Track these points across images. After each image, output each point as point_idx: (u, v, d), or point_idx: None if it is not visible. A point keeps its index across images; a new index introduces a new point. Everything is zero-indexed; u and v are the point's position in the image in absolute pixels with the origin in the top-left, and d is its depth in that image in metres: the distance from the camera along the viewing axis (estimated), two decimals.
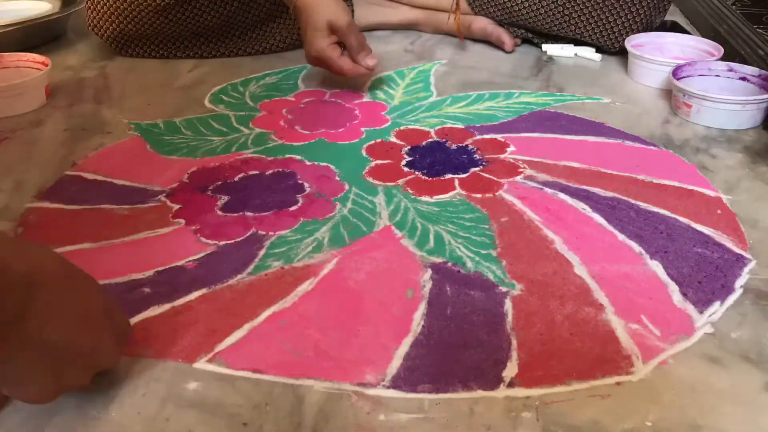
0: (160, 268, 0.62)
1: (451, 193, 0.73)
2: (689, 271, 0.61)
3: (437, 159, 0.80)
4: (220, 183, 0.75)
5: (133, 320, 0.55)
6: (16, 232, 0.67)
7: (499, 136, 0.86)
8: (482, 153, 0.82)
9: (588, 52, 1.12)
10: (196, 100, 0.96)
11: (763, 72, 0.92)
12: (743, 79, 0.94)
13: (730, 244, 0.65)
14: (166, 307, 0.57)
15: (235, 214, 0.69)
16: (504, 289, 0.59)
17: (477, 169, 0.78)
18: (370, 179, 0.76)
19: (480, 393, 0.49)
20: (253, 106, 0.95)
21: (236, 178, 0.76)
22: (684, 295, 0.59)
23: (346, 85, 1.02)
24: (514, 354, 0.52)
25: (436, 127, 0.88)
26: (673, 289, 0.59)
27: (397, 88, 1.01)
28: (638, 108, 0.94)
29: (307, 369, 0.51)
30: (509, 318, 0.56)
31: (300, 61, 1.11)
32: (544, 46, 1.15)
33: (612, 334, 0.54)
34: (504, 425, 0.47)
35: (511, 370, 0.51)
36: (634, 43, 1.05)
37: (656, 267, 0.62)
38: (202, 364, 0.51)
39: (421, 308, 0.57)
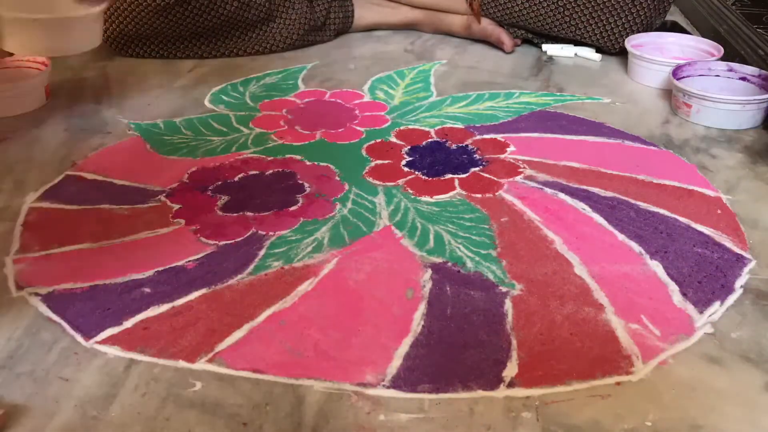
0: (160, 268, 0.62)
1: (451, 193, 0.73)
2: (689, 271, 0.61)
3: (437, 159, 0.80)
4: (220, 183, 0.75)
5: (133, 320, 0.56)
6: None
7: (499, 136, 0.86)
8: (482, 153, 0.82)
9: (588, 52, 1.12)
10: (196, 100, 0.96)
11: (763, 72, 0.92)
12: (743, 79, 0.94)
13: (730, 244, 0.65)
14: (166, 307, 0.57)
15: (235, 214, 0.69)
16: (504, 289, 0.59)
17: (477, 169, 0.78)
18: (370, 179, 0.76)
19: (480, 393, 0.49)
20: (253, 106, 0.95)
21: (236, 178, 0.76)
22: (684, 295, 0.59)
23: (346, 84, 1.02)
24: (514, 354, 0.52)
25: (436, 127, 0.88)
26: (673, 289, 0.59)
27: (397, 88, 1.01)
28: (638, 108, 0.94)
29: (307, 369, 0.51)
30: (509, 318, 0.56)
31: (300, 60, 1.11)
32: (544, 46, 1.15)
33: (612, 334, 0.54)
34: (504, 425, 0.47)
35: (511, 370, 0.51)
36: (634, 43, 1.05)
37: (656, 267, 0.62)
38: (202, 364, 0.51)
39: (421, 308, 0.57)
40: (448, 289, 0.59)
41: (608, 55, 1.12)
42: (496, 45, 1.16)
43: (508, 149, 0.83)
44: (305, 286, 0.59)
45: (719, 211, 0.70)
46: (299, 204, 0.71)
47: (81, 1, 0.84)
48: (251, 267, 0.62)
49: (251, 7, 1.09)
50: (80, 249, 0.64)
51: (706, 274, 0.61)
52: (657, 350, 0.53)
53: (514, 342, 0.54)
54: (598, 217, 0.69)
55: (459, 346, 0.53)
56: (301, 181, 0.76)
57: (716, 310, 0.57)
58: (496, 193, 0.73)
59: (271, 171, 0.78)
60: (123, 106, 0.95)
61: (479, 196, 0.73)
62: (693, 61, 0.98)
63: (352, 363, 0.52)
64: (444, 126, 0.89)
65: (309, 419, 0.47)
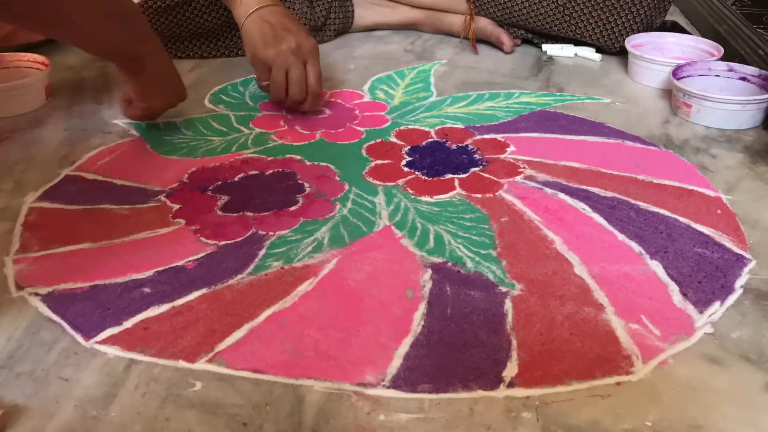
0: (160, 268, 0.62)
1: (451, 193, 0.73)
2: (689, 271, 0.61)
3: (437, 159, 0.80)
4: (220, 183, 0.75)
5: (133, 320, 0.56)
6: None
7: (499, 136, 0.86)
8: (482, 153, 0.82)
9: (588, 52, 1.12)
10: (196, 100, 0.96)
11: (763, 72, 0.92)
12: (743, 79, 0.94)
13: (730, 244, 0.65)
14: (166, 307, 0.57)
15: (235, 214, 0.69)
16: (504, 289, 0.59)
17: (477, 169, 0.78)
18: (370, 179, 0.76)
19: (480, 393, 0.49)
20: (253, 106, 0.95)
21: (236, 178, 0.76)
22: (684, 295, 0.59)
23: (346, 84, 1.02)
24: (514, 354, 0.52)
25: (436, 127, 0.88)
26: (673, 289, 0.59)
27: (397, 88, 1.01)
28: (638, 108, 0.94)
29: (307, 369, 0.51)
30: (509, 318, 0.56)
31: None
32: (544, 46, 1.15)
33: (612, 334, 0.54)
34: (504, 425, 0.47)
35: (511, 370, 0.51)
36: (634, 43, 1.05)
37: (656, 267, 0.62)
38: (202, 364, 0.51)
39: (421, 308, 0.57)
40: (448, 289, 0.59)
41: (608, 55, 1.12)
42: (496, 45, 1.16)
43: (508, 149, 0.83)
44: (305, 286, 0.59)
45: (719, 211, 0.70)
46: (299, 204, 0.71)
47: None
48: (251, 267, 0.62)
49: None
50: (80, 249, 0.64)
51: (706, 274, 0.61)
52: (657, 350, 0.53)
53: (514, 342, 0.54)
54: (598, 217, 0.69)
55: (459, 346, 0.53)
56: (301, 181, 0.76)
57: (716, 310, 0.57)
58: (496, 193, 0.73)
59: (271, 171, 0.78)
60: None
61: (479, 196, 0.73)
62: (693, 61, 0.98)
63: (352, 363, 0.52)
64: (444, 126, 0.89)
65: (309, 419, 0.47)
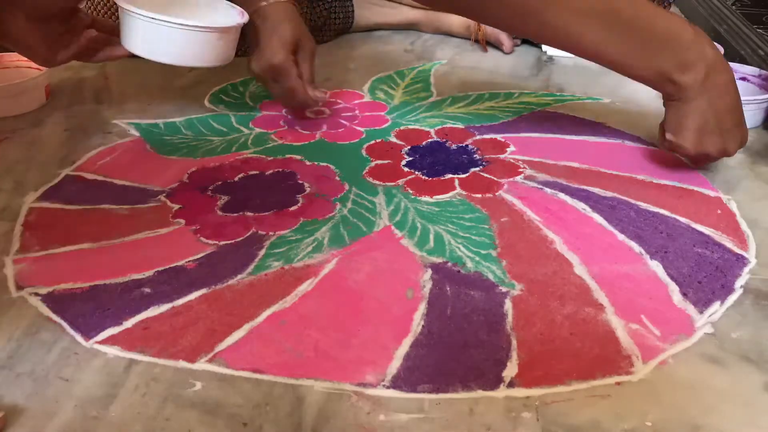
0: (160, 268, 0.62)
1: (451, 193, 0.73)
2: (689, 271, 0.61)
3: (437, 159, 0.80)
4: (220, 183, 0.75)
5: (133, 320, 0.56)
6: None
7: (499, 136, 0.86)
8: (482, 153, 0.82)
9: None
10: (196, 100, 0.96)
11: (763, 72, 0.92)
12: (743, 79, 0.94)
13: (730, 244, 0.65)
14: (166, 307, 0.57)
15: (235, 214, 0.69)
16: (504, 289, 0.59)
17: (477, 169, 0.78)
18: (370, 179, 0.76)
19: (480, 393, 0.49)
20: (253, 106, 0.95)
21: (236, 178, 0.76)
22: (684, 295, 0.59)
23: (346, 84, 1.02)
24: (514, 354, 0.52)
25: (436, 127, 0.88)
26: (673, 289, 0.59)
27: (397, 88, 1.01)
28: (638, 108, 0.94)
29: (307, 369, 0.51)
30: (509, 318, 0.56)
31: None
32: (544, 46, 1.15)
33: (612, 334, 0.54)
34: (504, 425, 0.47)
35: (511, 370, 0.51)
36: None
37: (656, 267, 0.62)
38: (202, 364, 0.51)
39: (421, 308, 0.57)
40: (448, 289, 0.59)
41: None
42: (496, 46, 1.16)
43: (508, 149, 0.83)
44: (305, 286, 0.59)
45: (719, 211, 0.70)
46: (299, 204, 0.71)
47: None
48: (251, 267, 0.62)
49: None
50: (80, 249, 0.64)
51: (706, 274, 0.61)
52: (657, 350, 0.53)
53: (514, 342, 0.54)
54: (598, 217, 0.69)
55: (459, 346, 0.53)
56: (301, 181, 0.76)
57: (716, 310, 0.57)
58: (496, 193, 0.73)
59: (271, 171, 0.78)
60: (123, 106, 0.95)
61: (479, 196, 0.73)
62: None
63: (352, 363, 0.52)
64: (444, 126, 0.89)
65: (309, 419, 0.47)
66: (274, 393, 0.49)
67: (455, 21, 1.20)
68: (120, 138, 0.86)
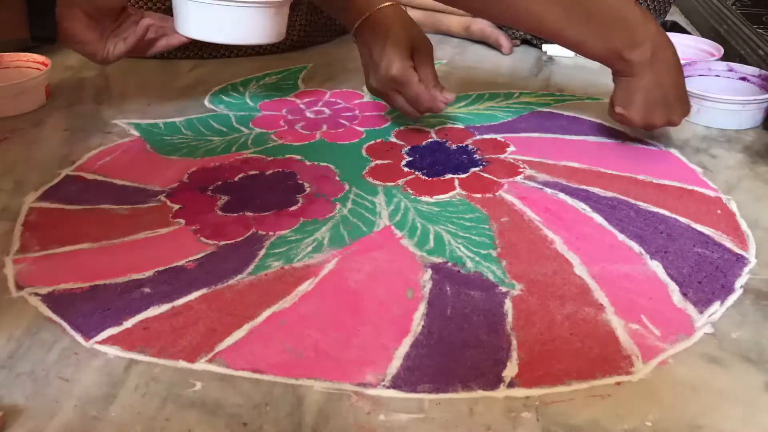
0: (160, 268, 0.62)
1: (451, 193, 0.73)
2: (689, 271, 0.61)
3: (437, 159, 0.80)
4: (220, 183, 0.75)
5: (133, 320, 0.56)
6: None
7: (499, 136, 0.86)
8: (482, 153, 0.82)
9: None
10: (196, 100, 0.96)
11: (763, 72, 0.92)
12: (743, 79, 0.94)
13: (730, 244, 0.65)
14: (166, 307, 0.57)
15: (235, 214, 0.69)
16: (504, 289, 0.59)
17: (477, 169, 0.78)
18: (370, 179, 0.76)
19: (480, 393, 0.49)
20: (253, 106, 0.95)
21: (236, 178, 0.76)
22: (684, 295, 0.59)
23: (346, 84, 1.02)
24: (514, 354, 0.52)
25: (436, 127, 0.88)
26: (673, 289, 0.59)
27: None
28: None
29: (307, 369, 0.51)
30: (509, 318, 0.56)
31: (300, 61, 1.11)
32: (544, 46, 1.15)
33: (612, 334, 0.54)
34: (504, 425, 0.47)
35: (511, 370, 0.51)
36: None
37: (656, 267, 0.62)
38: (202, 364, 0.51)
39: (421, 308, 0.57)
40: (448, 289, 0.59)
41: None
42: (494, 46, 1.16)
43: (508, 149, 0.83)
44: (305, 286, 0.59)
45: (719, 211, 0.70)
46: (299, 204, 0.71)
47: None
48: (251, 267, 0.62)
49: None
50: (80, 249, 0.64)
51: (706, 274, 0.61)
52: (657, 350, 0.53)
53: (514, 342, 0.54)
54: (598, 217, 0.69)
55: (459, 346, 0.53)
56: (301, 181, 0.76)
57: (716, 310, 0.57)
58: (496, 193, 0.73)
59: (271, 171, 0.78)
60: (123, 106, 0.95)
61: (479, 196, 0.73)
62: (693, 61, 0.98)
63: (352, 363, 0.52)
64: (444, 126, 0.89)
65: (309, 419, 0.47)
66: (274, 393, 0.49)
67: (454, 21, 1.20)
68: (120, 138, 0.86)
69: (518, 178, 0.76)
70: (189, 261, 0.63)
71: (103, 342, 0.54)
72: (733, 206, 0.71)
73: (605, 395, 0.49)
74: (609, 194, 0.73)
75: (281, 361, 0.52)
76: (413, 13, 1.23)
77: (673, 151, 0.82)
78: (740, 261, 0.63)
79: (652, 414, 0.47)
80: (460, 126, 0.89)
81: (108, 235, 0.66)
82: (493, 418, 0.47)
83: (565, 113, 0.92)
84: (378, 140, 0.85)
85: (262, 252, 0.64)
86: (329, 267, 0.62)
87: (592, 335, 0.54)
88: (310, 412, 0.48)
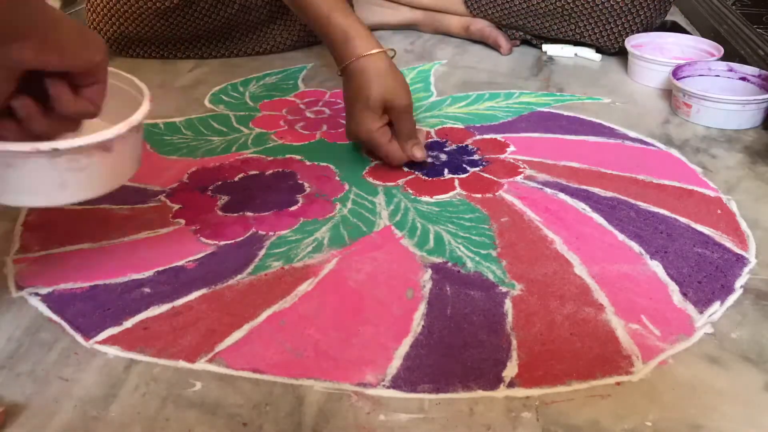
0: (160, 268, 0.62)
1: (451, 193, 0.73)
2: (689, 271, 0.61)
3: (437, 159, 0.80)
4: (220, 183, 0.75)
5: (133, 320, 0.56)
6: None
7: (499, 136, 0.86)
8: (482, 153, 0.82)
9: (588, 52, 1.12)
10: (196, 100, 0.96)
11: (763, 72, 0.92)
12: (743, 79, 0.94)
13: (730, 244, 0.65)
14: (166, 307, 0.57)
15: (235, 214, 0.69)
16: (504, 289, 0.59)
17: (477, 169, 0.78)
18: (370, 179, 0.76)
19: (480, 393, 0.49)
20: (253, 106, 0.95)
21: (236, 178, 0.76)
22: (684, 295, 0.59)
23: None
24: (514, 354, 0.52)
25: (436, 127, 0.88)
26: (673, 289, 0.59)
27: None
28: (638, 108, 0.94)
29: (307, 369, 0.51)
30: (509, 318, 0.56)
31: (300, 61, 1.11)
32: (544, 47, 1.15)
33: (612, 334, 0.54)
34: (504, 425, 0.47)
35: (511, 370, 0.51)
36: (634, 43, 1.05)
37: (656, 267, 0.62)
38: (202, 364, 0.51)
39: (421, 308, 0.57)
40: (448, 289, 0.59)
41: (608, 55, 1.12)
42: (494, 47, 1.16)
43: (508, 149, 0.83)
44: (305, 286, 0.59)
45: (719, 211, 0.70)
46: (299, 204, 0.71)
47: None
48: (251, 267, 0.62)
49: (252, 9, 1.09)
50: (80, 249, 0.64)
51: (706, 274, 0.61)
52: (657, 350, 0.53)
53: (514, 342, 0.54)
54: (598, 217, 0.69)
55: (459, 346, 0.53)
56: (301, 181, 0.76)
57: (716, 310, 0.57)
58: (496, 193, 0.73)
59: (271, 171, 0.78)
60: None
61: (479, 196, 0.73)
62: (693, 61, 0.98)
63: (352, 363, 0.52)
64: (444, 126, 0.89)
65: (309, 419, 0.47)
66: (274, 393, 0.49)
67: (454, 21, 1.20)
68: None
69: (518, 178, 0.76)
70: (189, 261, 0.63)
71: (103, 342, 0.54)
72: (733, 206, 0.71)
73: (605, 395, 0.49)
74: (609, 194, 0.73)
75: (281, 361, 0.52)
76: (413, 14, 1.24)
77: (673, 151, 0.82)
78: (740, 261, 0.63)
79: (652, 414, 0.47)
80: (460, 126, 0.89)
81: (108, 235, 0.66)
82: (493, 418, 0.47)
83: (565, 113, 0.92)
84: None
85: (262, 252, 0.64)
86: (329, 267, 0.62)
87: (592, 335, 0.54)
88: (310, 412, 0.48)
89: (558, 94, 0.99)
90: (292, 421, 0.47)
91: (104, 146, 0.51)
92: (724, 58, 0.99)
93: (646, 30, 1.09)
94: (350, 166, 0.79)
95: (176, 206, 0.71)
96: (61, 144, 0.49)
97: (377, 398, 0.49)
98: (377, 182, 0.76)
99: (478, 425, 0.47)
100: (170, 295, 0.58)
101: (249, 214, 0.70)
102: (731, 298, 0.58)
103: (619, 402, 0.48)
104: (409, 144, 0.77)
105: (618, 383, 0.50)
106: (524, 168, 0.78)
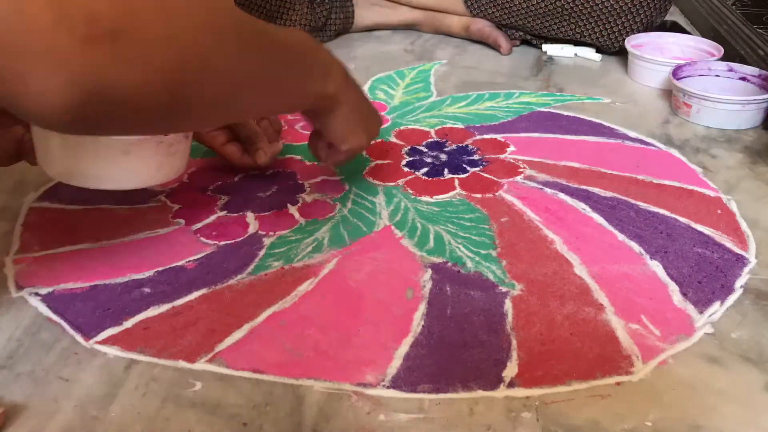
0: (160, 268, 0.61)
1: (451, 193, 0.73)
2: (689, 271, 0.61)
3: (437, 159, 0.80)
4: (220, 183, 0.75)
5: (133, 320, 0.56)
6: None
7: (499, 136, 0.86)
8: (482, 153, 0.82)
9: (588, 52, 1.12)
10: None
11: (763, 72, 0.92)
12: (743, 79, 0.94)
13: (730, 244, 0.65)
14: (166, 307, 0.57)
15: (235, 214, 0.69)
16: (504, 289, 0.59)
17: (477, 169, 0.78)
18: (370, 179, 0.76)
19: (480, 393, 0.49)
20: None
21: (236, 178, 0.76)
22: (684, 295, 0.59)
23: None
24: (514, 354, 0.52)
25: (436, 127, 0.88)
26: (673, 289, 0.59)
27: (397, 88, 1.01)
28: (638, 108, 0.94)
29: (307, 369, 0.51)
30: (509, 318, 0.56)
31: None
32: (544, 46, 1.15)
33: (612, 334, 0.54)
34: (504, 425, 0.47)
35: (511, 370, 0.51)
36: (634, 43, 1.05)
37: (656, 267, 0.62)
38: (202, 364, 0.51)
39: (421, 308, 0.57)
40: (448, 289, 0.59)
41: (608, 55, 1.12)
42: (494, 47, 1.16)
43: (508, 149, 0.83)
44: (305, 286, 0.59)
45: (719, 211, 0.70)
46: (299, 204, 0.71)
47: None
48: (251, 267, 0.62)
49: (251, 9, 1.09)
50: (80, 249, 0.64)
51: (706, 274, 0.61)
52: (657, 350, 0.53)
53: (514, 342, 0.54)
54: (598, 217, 0.69)
55: (459, 346, 0.53)
56: (301, 181, 0.76)
57: (716, 310, 0.57)
58: (496, 193, 0.73)
59: (271, 171, 0.78)
60: None
61: (479, 196, 0.73)
62: (693, 61, 0.98)
63: (352, 363, 0.52)
64: (444, 126, 0.89)
65: (309, 419, 0.47)
66: (274, 393, 0.49)
67: (454, 21, 1.20)
68: None
69: (518, 178, 0.76)
70: (189, 261, 0.63)
71: (103, 342, 0.54)
72: (733, 206, 0.71)
73: (605, 395, 0.49)
74: (609, 194, 0.73)
75: (281, 361, 0.52)
76: (413, 13, 1.24)
77: (673, 151, 0.82)
78: (740, 261, 0.63)
79: (652, 414, 0.47)
80: (460, 126, 0.89)
81: (108, 235, 0.66)
82: (493, 418, 0.47)
83: (565, 113, 0.92)
84: (378, 140, 0.85)
85: (262, 252, 0.64)
86: (329, 267, 0.62)
87: (592, 335, 0.54)
88: (310, 412, 0.48)
89: (558, 94, 0.99)
90: (292, 421, 0.47)
91: (187, 134, 0.62)
92: (724, 58, 0.99)
93: (646, 30, 1.09)
94: (350, 166, 0.78)
95: (176, 206, 0.71)
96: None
97: (377, 398, 0.49)
98: (377, 182, 0.76)
99: (478, 425, 0.47)
100: (170, 295, 0.58)
101: (249, 214, 0.70)
102: (731, 298, 0.58)
103: (619, 402, 0.48)
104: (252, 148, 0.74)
105: (618, 383, 0.50)
106: (524, 168, 0.78)
